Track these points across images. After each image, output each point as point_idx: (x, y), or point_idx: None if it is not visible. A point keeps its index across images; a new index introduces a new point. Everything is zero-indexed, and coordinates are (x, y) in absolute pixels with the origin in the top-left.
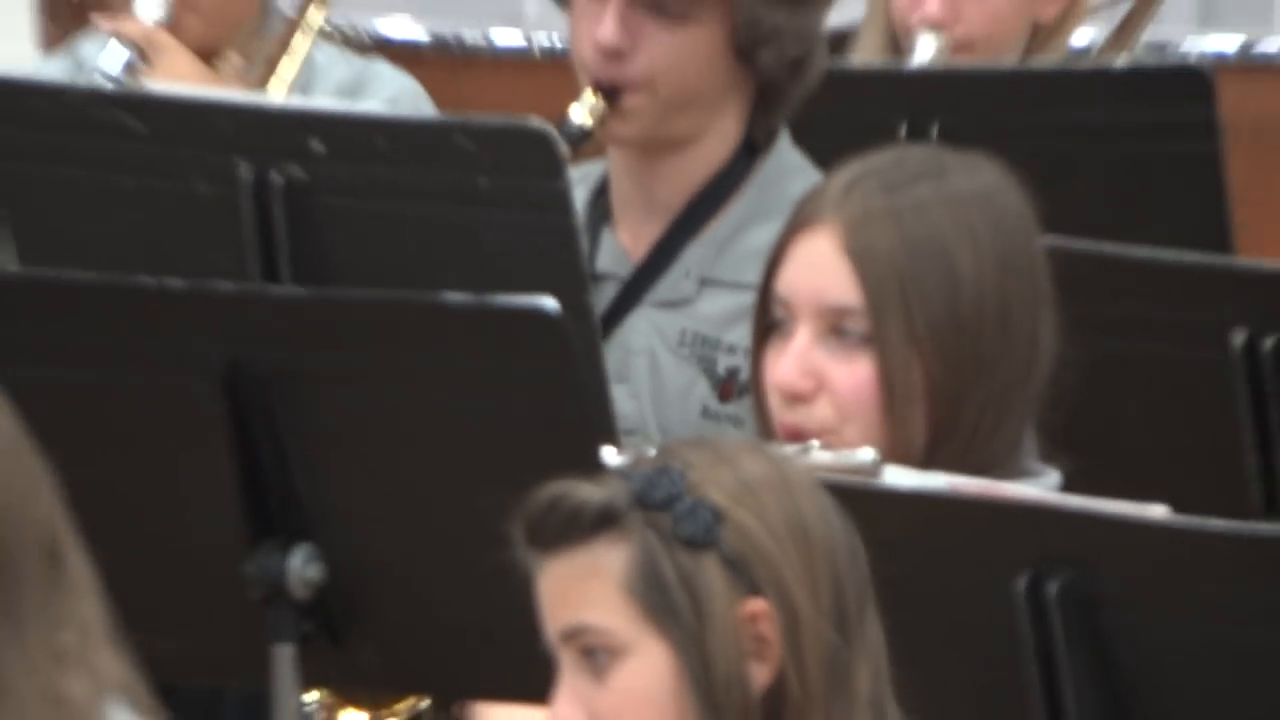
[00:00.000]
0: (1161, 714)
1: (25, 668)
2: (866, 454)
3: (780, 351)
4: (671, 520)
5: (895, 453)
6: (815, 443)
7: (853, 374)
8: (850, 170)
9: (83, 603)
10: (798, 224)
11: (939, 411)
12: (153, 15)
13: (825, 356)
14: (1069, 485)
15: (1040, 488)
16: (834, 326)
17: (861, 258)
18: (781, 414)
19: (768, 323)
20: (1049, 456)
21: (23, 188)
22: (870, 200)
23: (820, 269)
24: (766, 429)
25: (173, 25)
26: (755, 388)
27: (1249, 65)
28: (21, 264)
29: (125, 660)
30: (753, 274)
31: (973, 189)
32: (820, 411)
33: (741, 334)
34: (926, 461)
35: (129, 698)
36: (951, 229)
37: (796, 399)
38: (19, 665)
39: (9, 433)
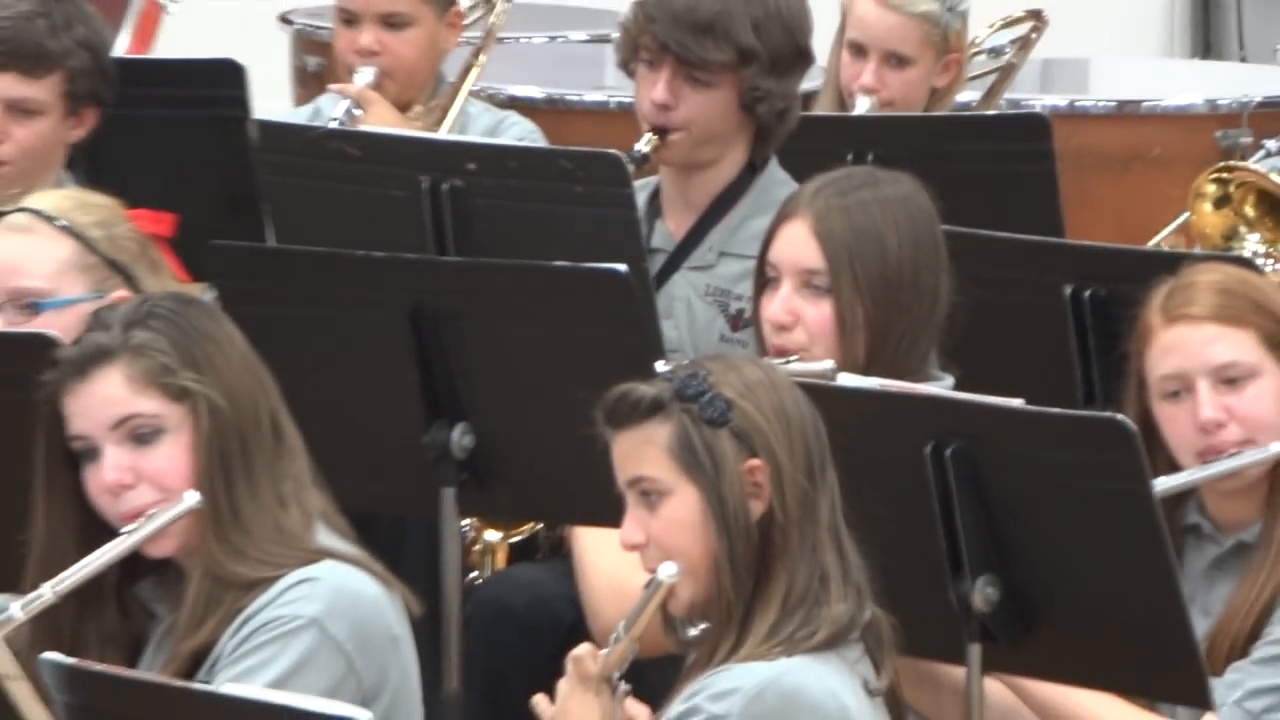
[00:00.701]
0: (1020, 534)
1: (260, 509)
2: (827, 364)
3: (771, 298)
4: (698, 407)
5: (845, 365)
6: (794, 357)
7: (818, 312)
8: (817, 181)
9: (296, 461)
10: (783, 215)
11: (873, 338)
12: (365, 80)
13: (801, 301)
14: (959, 386)
15: (940, 388)
16: (806, 282)
17: (825, 237)
18: (771, 339)
19: (763, 280)
20: (945, 367)
21: (281, 192)
22: (830, 200)
23: (798, 244)
24: (762, 348)
25: (378, 87)
26: (755, 322)
27: (1073, 114)
28: (278, 242)
29: (323, 494)
30: (753, 249)
31: (897, 194)
32: (797, 337)
33: (745, 287)
34: (866, 370)
35: (326, 521)
36: (882, 220)
37: (782, 329)
38: (255, 508)
39: (244, 351)
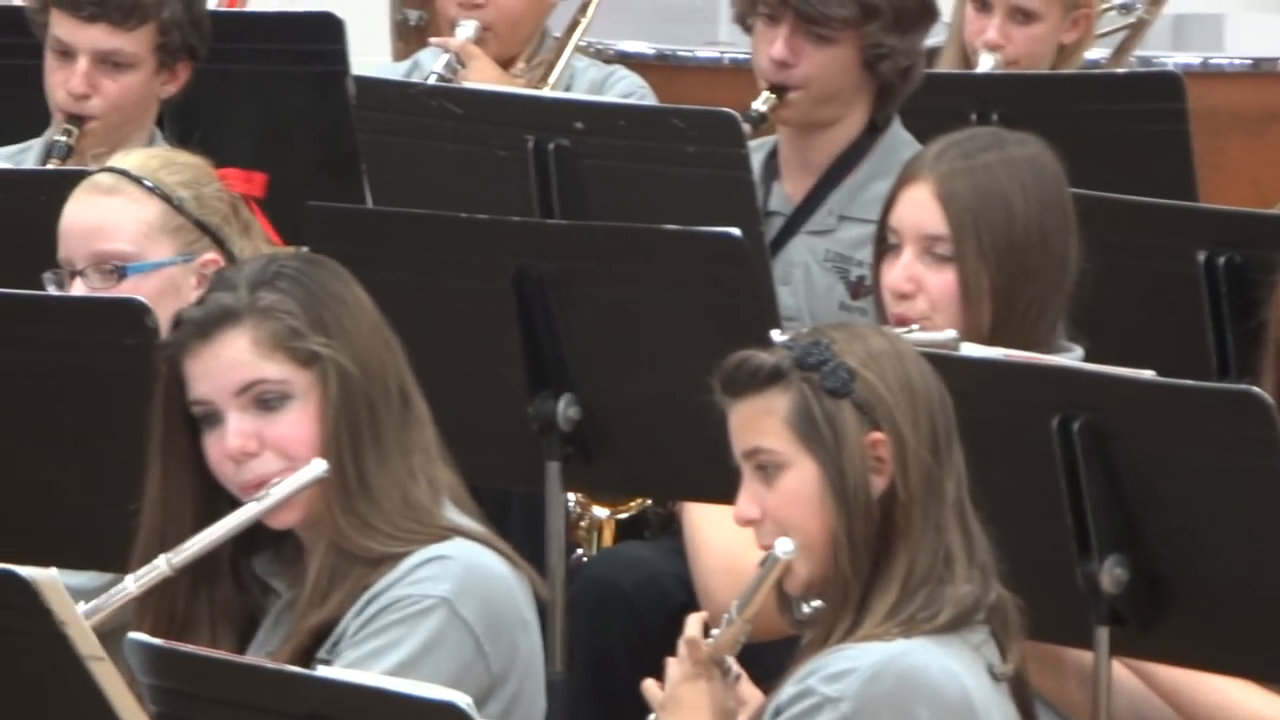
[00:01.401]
0: (1150, 511)
1: (388, 480)
2: (950, 334)
3: (892, 265)
4: (820, 377)
5: (970, 335)
6: (916, 326)
7: (942, 280)
8: (940, 143)
9: (425, 432)
10: (904, 179)
11: (999, 306)
12: (466, 34)
13: (923, 269)
14: (1089, 357)
15: (1068, 359)
16: (929, 249)
17: (948, 202)
18: (893, 307)
19: (884, 246)
20: (1074, 337)
21: (380, 152)
22: (954, 163)
23: (920, 209)
24: (883, 317)
25: (480, 42)
26: (875, 289)
27: (1207, 72)
28: (376, 204)
29: (453, 471)
30: (875, 213)
31: (1023, 155)
32: (919, 305)
33: (866, 253)
34: (990, 340)
35: (454, 496)
36: (1008, 183)
37: (903, 297)
38: (383, 479)
39: (373, 315)
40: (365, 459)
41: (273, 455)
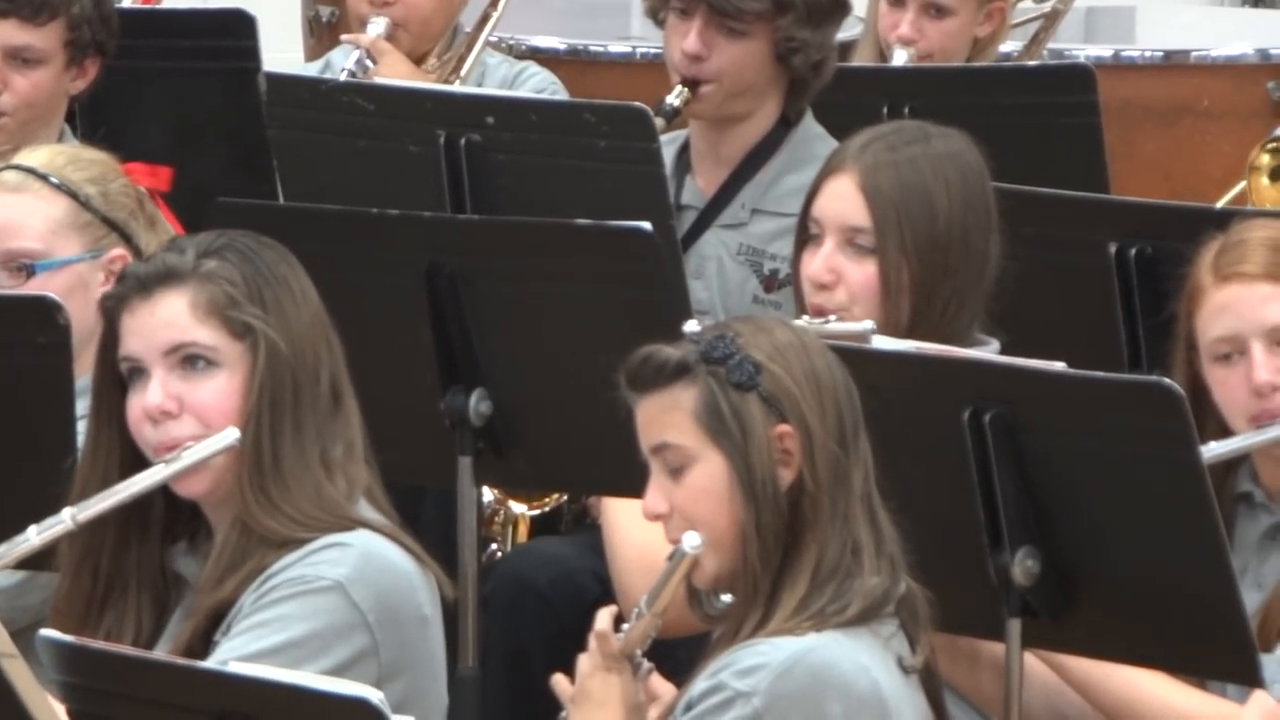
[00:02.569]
0: (1061, 503)
1: (302, 466)
2: (867, 325)
3: (813, 255)
4: (726, 370)
5: (888, 328)
6: (833, 317)
7: (862, 272)
8: (865, 134)
9: (351, 430)
10: (828, 169)
11: (918, 300)
12: (377, 31)
13: (843, 260)
14: (1005, 351)
15: (985, 352)
16: (850, 240)
17: (871, 194)
18: (811, 297)
19: (805, 236)
20: (991, 331)
21: (289, 147)
22: (879, 155)
23: (843, 200)
24: (801, 307)
25: (391, 38)
26: (794, 279)
27: (1118, 65)
28: (288, 200)
29: (373, 471)
30: (788, 206)
31: (948, 150)
32: (838, 296)
33: (779, 246)
34: (909, 334)
35: (370, 498)
36: (932, 177)
37: (822, 288)
38: (297, 463)
39: (316, 308)
40: (282, 439)
41: (191, 420)
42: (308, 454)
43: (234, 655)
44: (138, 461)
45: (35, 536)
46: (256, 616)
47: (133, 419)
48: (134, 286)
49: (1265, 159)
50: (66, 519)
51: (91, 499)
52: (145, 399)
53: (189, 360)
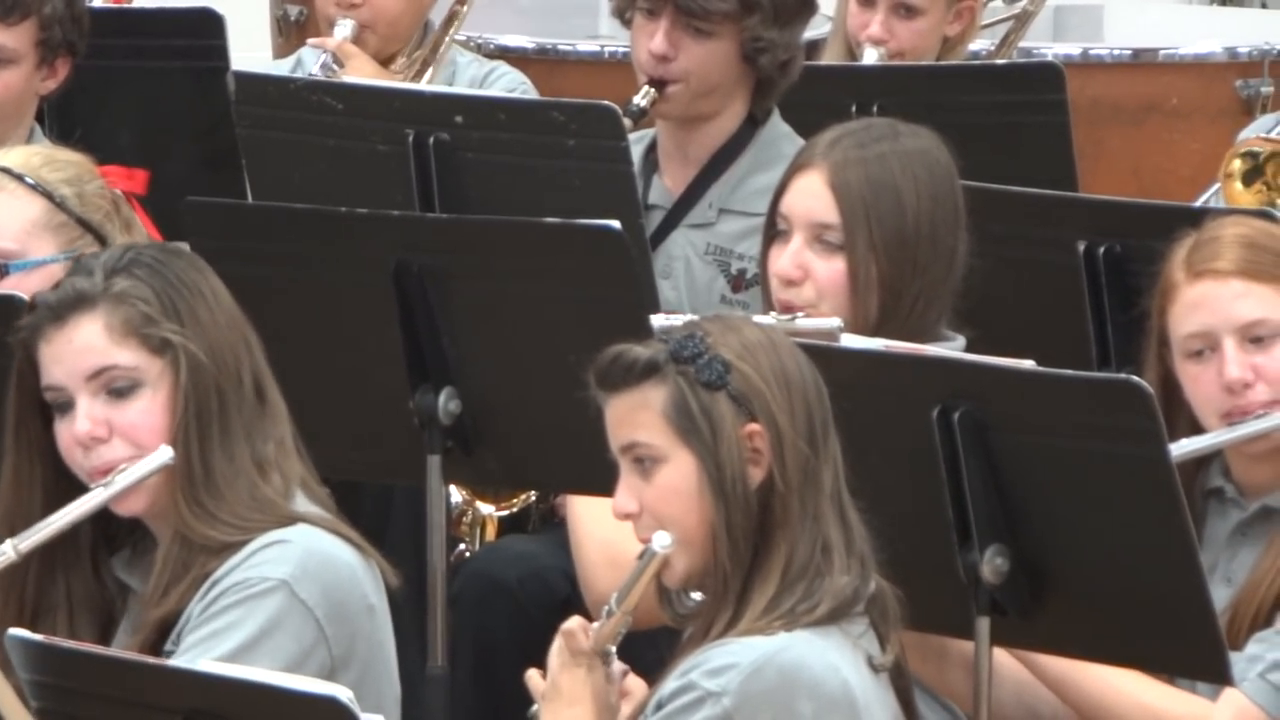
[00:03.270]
0: (1030, 501)
1: (233, 471)
2: (834, 322)
3: (781, 251)
4: (695, 369)
5: (856, 325)
6: (801, 313)
7: (830, 269)
8: (834, 131)
9: (280, 425)
10: (797, 165)
11: (886, 297)
12: (344, 34)
13: (811, 256)
14: (971, 347)
15: (952, 349)
16: (818, 236)
17: (840, 190)
18: (779, 293)
19: (773, 232)
20: (957, 327)
21: (258, 146)
22: (848, 152)
23: (812, 196)
24: (768, 303)
25: (358, 40)
26: (763, 275)
27: (1087, 63)
28: (256, 199)
29: (306, 463)
30: (755, 206)
31: (917, 148)
32: (806, 293)
33: (747, 246)
34: (877, 331)
35: (306, 490)
36: (901, 175)
37: (790, 284)
38: (229, 470)
39: (230, 308)
40: (211, 449)
41: (121, 442)
42: (239, 459)
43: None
44: (63, 486)
45: None
46: (206, 627)
47: (64, 447)
48: (47, 315)
49: (1237, 164)
50: (9, 550)
51: (31, 528)
52: (74, 428)
53: (112, 384)
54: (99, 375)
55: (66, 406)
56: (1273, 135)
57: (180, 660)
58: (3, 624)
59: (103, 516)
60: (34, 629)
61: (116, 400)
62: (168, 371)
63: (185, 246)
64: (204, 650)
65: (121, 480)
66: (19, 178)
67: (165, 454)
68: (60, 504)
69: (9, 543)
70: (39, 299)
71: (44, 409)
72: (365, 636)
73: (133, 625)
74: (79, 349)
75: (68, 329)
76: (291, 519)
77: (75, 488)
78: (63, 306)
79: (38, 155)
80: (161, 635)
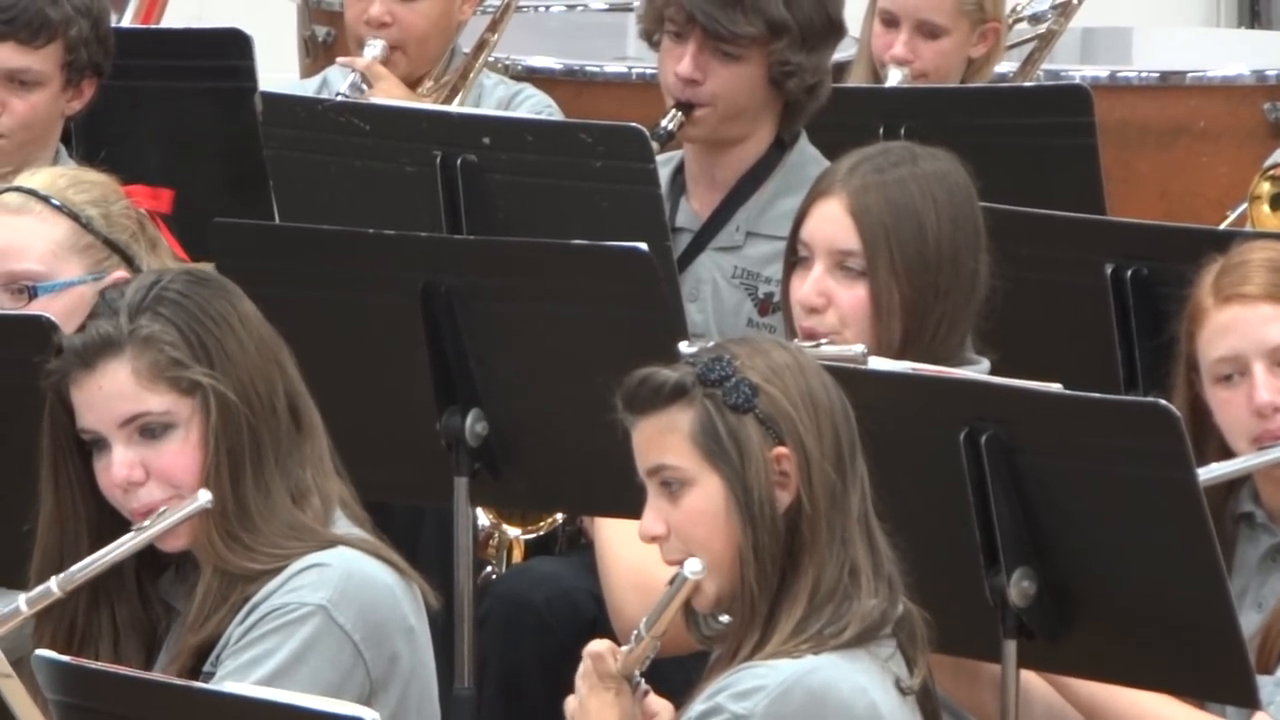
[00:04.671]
0: (1057, 525)
1: (269, 506)
2: (858, 349)
3: (802, 279)
4: (723, 393)
5: (879, 351)
6: (824, 340)
7: (852, 295)
8: (853, 157)
9: (318, 444)
10: (816, 192)
11: (909, 322)
12: (374, 54)
13: (833, 283)
14: (996, 370)
15: (976, 372)
16: (840, 263)
17: (860, 216)
18: (801, 321)
19: (794, 259)
20: (981, 350)
21: (287, 168)
22: (867, 178)
23: (832, 223)
24: (791, 331)
25: (387, 61)
26: (785, 303)
27: (1115, 86)
28: (283, 220)
29: (344, 481)
30: (783, 229)
31: (935, 170)
32: (829, 320)
33: (775, 270)
34: (900, 355)
35: (345, 509)
36: (920, 198)
37: (813, 311)
38: (264, 504)
39: (259, 331)
40: (244, 487)
41: (157, 484)
42: (274, 493)
43: None
44: (106, 519)
45: (25, 607)
46: (245, 654)
47: (104, 487)
48: (75, 361)
49: (1266, 187)
50: (54, 588)
51: (75, 566)
52: (111, 473)
53: (145, 428)
54: (131, 421)
55: (103, 447)
56: None
57: (209, 683)
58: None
59: (143, 549)
60: (81, 656)
61: (150, 442)
62: (199, 410)
63: (210, 268)
64: (240, 676)
65: (159, 524)
66: (45, 199)
67: (204, 498)
68: (106, 537)
69: (53, 580)
70: (65, 343)
71: (81, 446)
72: (405, 658)
73: (172, 650)
74: (110, 395)
75: (96, 375)
76: (331, 541)
77: (120, 520)
78: (89, 352)
79: (63, 176)
80: (199, 659)
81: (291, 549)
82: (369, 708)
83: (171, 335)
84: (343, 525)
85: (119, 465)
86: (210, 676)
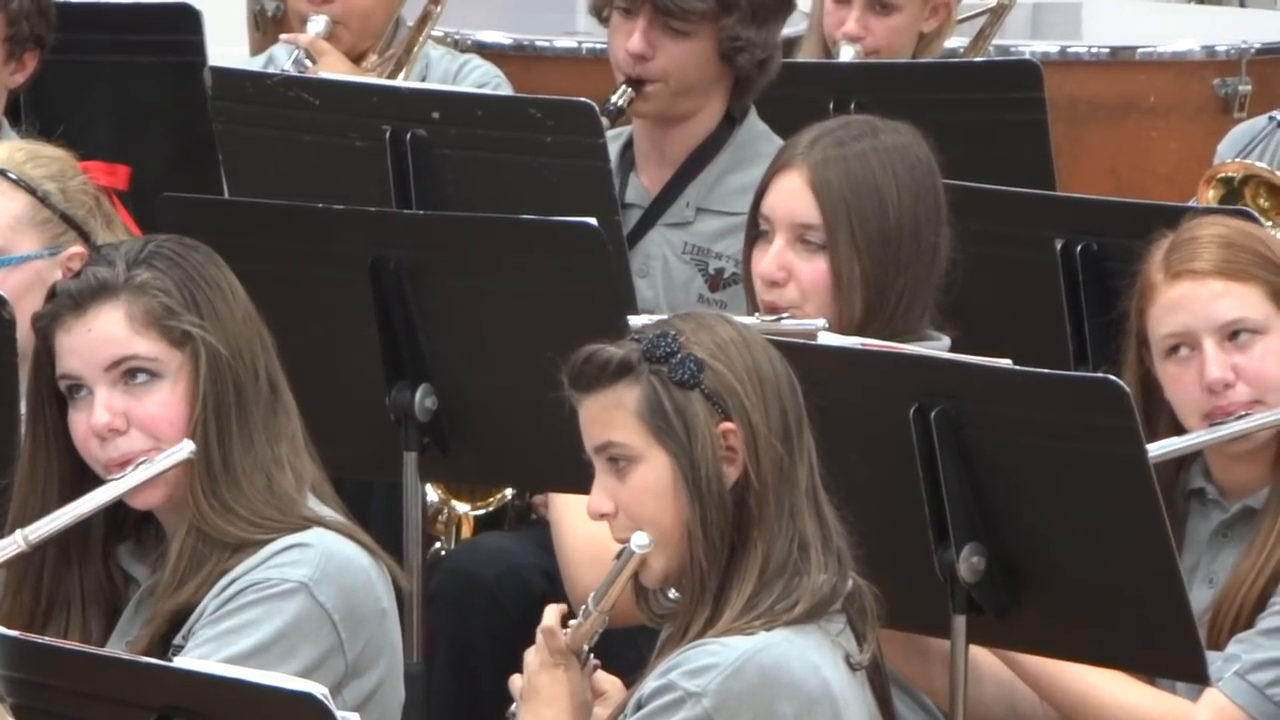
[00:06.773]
0: (1007, 500)
1: (252, 465)
2: (819, 322)
3: (763, 252)
4: (668, 368)
5: (840, 324)
6: (786, 314)
7: (813, 269)
8: (813, 130)
9: (292, 423)
10: (777, 166)
11: (870, 296)
12: (316, 30)
13: (794, 257)
14: (956, 346)
15: (935, 348)
16: (800, 236)
17: (821, 190)
18: (762, 295)
19: (755, 233)
20: (941, 327)
21: (236, 142)
22: (828, 151)
23: (793, 197)
24: (752, 304)
25: (331, 36)
26: (745, 277)
27: (1065, 61)
28: (233, 194)
29: (317, 464)
30: (733, 205)
31: (896, 144)
32: (790, 293)
33: (725, 245)
34: (860, 330)
35: (316, 489)
36: (881, 172)
37: (774, 285)
38: (248, 463)
39: (245, 304)
40: (230, 442)
41: (139, 434)
42: (256, 452)
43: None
44: (78, 477)
45: None
46: (223, 624)
47: (79, 437)
48: (67, 304)
49: (1211, 194)
50: (19, 540)
51: (43, 519)
52: (91, 418)
53: (130, 374)
54: (118, 365)
55: (82, 396)
56: (1247, 156)
57: (184, 658)
58: (20, 615)
59: (112, 507)
60: (49, 620)
61: (134, 390)
62: (187, 364)
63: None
64: (218, 646)
65: (141, 473)
66: (2, 173)
67: (187, 448)
68: (75, 496)
69: (19, 533)
70: (59, 287)
71: (60, 398)
72: (380, 641)
73: (139, 616)
74: (98, 338)
75: (87, 318)
76: (307, 522)
77: (91, 479)
78: (83, 295)
79: (21, 151)
80: (174, 627)
81: (269, 520)
82: (344, 689)
83: (166, 285)
84: (314, 505)
85: (100, 410)
86: (179, 650)
